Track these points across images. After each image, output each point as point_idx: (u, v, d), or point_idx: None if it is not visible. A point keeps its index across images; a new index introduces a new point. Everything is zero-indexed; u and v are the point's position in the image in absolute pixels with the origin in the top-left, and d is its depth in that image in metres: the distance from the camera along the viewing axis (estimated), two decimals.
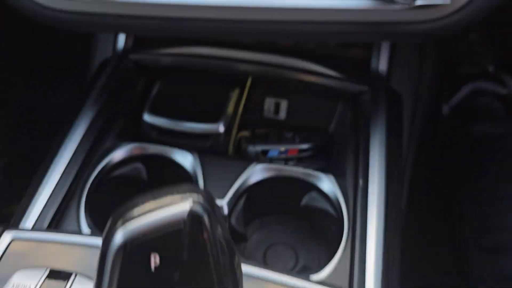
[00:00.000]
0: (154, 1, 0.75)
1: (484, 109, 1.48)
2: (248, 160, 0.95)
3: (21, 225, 0.79)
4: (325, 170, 0.89)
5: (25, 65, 1.16)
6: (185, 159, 0.92)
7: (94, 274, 0.43)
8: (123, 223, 0.40)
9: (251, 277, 0.68)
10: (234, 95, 1.02)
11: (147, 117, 1.00)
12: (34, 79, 1.19)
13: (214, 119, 0.98)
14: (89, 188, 0.86)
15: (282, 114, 1.08)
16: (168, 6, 0.76)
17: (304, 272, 0.87)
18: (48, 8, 0.79)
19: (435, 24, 0.73)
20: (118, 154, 0.93)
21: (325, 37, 0.76)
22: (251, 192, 0.89)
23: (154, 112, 1.00)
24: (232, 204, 0.86)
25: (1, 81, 1.10)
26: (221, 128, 0.97)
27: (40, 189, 0.84)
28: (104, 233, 0.42)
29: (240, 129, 1.05)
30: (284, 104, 1.07)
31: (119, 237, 0.40)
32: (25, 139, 1.22)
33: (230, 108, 1.00)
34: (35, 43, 1.13)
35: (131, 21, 0.79)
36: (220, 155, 0.98)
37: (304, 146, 1.01)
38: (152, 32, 0.85)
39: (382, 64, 0.96)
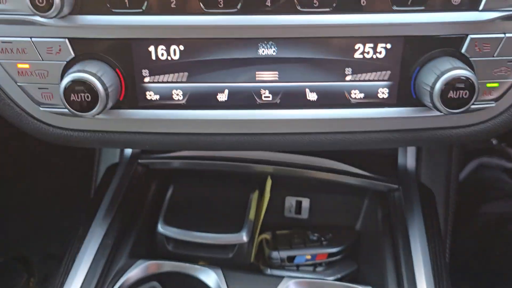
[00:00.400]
0: (163, 117, 0.71)
1: (493, 184, 1.45)
2: (274, 267, 0.87)
3: None
4: (365, 281, 0.82)
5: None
6: (208, 277, 0.84)
7: None
8: None
9: None
10: (254, 198, 0.96)
11: (161, 229, 0.92)
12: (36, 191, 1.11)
13: (236, 228, 0.90)
14: None
15: (304, 213, 1.02)
16: (181, 121, 0.71)
17: None
18: (58, 127, 0.74)
19: (477, 127, 0.70)
20: (132, 275, 0.84)
21: (363, 146, 0.71)
22: None
23: (169, 222, 0.93)
24: None
25: None
26: (245, 238, 0.89)
27: None
28: None
29: (260, 231, 0.98)
30: (306, 203, 1.01)
31: None
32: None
33: (252, 213, 0.93)
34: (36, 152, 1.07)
35: (142, 137, 0.74)
36: (245, 268, 0.89)
37: (334, 249, 0.93)
38: (164, 147, 0.80)
39: (410, 160, 0.92)
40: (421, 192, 0.89)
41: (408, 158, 0.92)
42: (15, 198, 1.04)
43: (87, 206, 0.94)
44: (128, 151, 1.01)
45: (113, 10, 0.63)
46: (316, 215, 1.01)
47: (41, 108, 0.71)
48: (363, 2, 0.61)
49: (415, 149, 0.92)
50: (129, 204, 0.94)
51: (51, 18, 0.62)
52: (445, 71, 0.61)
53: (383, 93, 0.67)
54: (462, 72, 0.60)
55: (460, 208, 1.36)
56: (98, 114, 0.65)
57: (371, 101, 0.68)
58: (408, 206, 0.87)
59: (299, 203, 1.01)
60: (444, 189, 0.98)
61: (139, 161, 1.00)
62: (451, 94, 0.61)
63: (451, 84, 0.60)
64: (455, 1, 0.61)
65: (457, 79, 0.60)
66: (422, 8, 0.61)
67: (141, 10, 0.63)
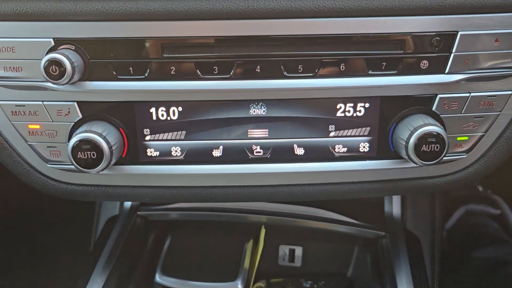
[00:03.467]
0: (162, 172, 0.76)
1: (482, 230, 1.48)
2: None
3: None
4: None
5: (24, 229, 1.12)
6: None
7: None
8: None
9: None
10: (249, 247, 1.00)
11: (159, 279, 0.95)
12: (35, 246, 1.14)
13: (232, 276, 0.94)
14: None
15: (298, 261, 1.05)
16: (179, 176, 0.76)
17: None
18: (63, 182, 0.79)
19: (452, 177, 0.75)
20: None
21: (347, 195, 0.77)
22: None
23: (166, 272, 0.96)
24: None
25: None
26: (240, 286, 0.92)
27: None
28: None
29: (255, 279, 1.01)
30: (299, 251, 1.05)
31: None
32: None
33: (247, 262, 0.97)
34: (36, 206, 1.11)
35: (142, 191, 0.79)
36: None
37: None
38: (163, 199, 0.84)
39: (396, 208, 0.97)
40: (407, 238, 0.94)
41: (394, 206, 0.97)
42: (18, 246, 1.07)
43: (87, 257, 0.97)
44: (128, 204, 1.05)
45: (119, 76, 0.70)
46: (309, 263, 1.04)
47: (48, 165, 0.76)
48: (342, 68, 0.69)
49: (400, 198, 0.98)
50: (128, 255, 0.97)
51: (63, 84, 0.68)
52: (418, 127, 0.67)
53: (364, 147, 0.74)
54: (433, 128, 0.67)
55: (450, 253, 1.39)
56: (102, 170, 0.70)
57: (353, 154, 0.74)
58: (394, 252, 0.91)
59: (292, 252, 1.05)
60: (429, 234, 1.03)
61: (138, 213, 1.04)
62: (424, 147, 0.67)
63: (423, 139, 0.67)
64: (424, 65, 0.69)
65: (428, 134, 0.67)
66: (395, 72, 0.69)
67: (143, 77, 0.70)
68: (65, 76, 0.66)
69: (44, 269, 1.07)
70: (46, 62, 0.65)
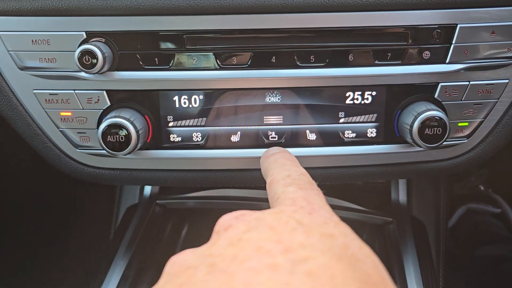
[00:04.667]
0: (184, 156, 0.81)
1: (485, 228, 1.50)
2: None
3: None
4: None
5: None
6: None
7: None
8: None
9: None
10: None
11: None
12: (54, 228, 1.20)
13: None
14: None
15: None
16: (199, 160, 0.81)
17: None
18: (92, 166, 0.85)
19: (454, 161, 0.80)
20: None
21: (355, 178, 0.82)
22: None
23: None
24: None
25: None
26: None
27: None
28: None
29: None
30: None
31: None
32: None
33: None
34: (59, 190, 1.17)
35: (165, 174, 0.84)
36: None
37: None
38: (183, 183, 0.89)
39: (402, 196, 1.02)
40: (413, 224, 0.98)
41: (400, 194, 1.02)
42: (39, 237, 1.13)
43: (108, 244, 1.03)
44: (147, 193, 1.11)
45: (145, 66, 0.76)
46: None
47: (78, 150, 0.82)
48: (351, 58, 0.74)
49: (406, 185, 1.02)
50: (148, 241, 1.03)
51: (94, 74, 0.74)
52: (421, 112, 0.73)
53: (372, 132, 0.79)
54: (435, 113, 0.72)
55: (453, 251, 1.42)
56: (129, 153, 0.76)
57: (361, 139, 0.79)
58: (402, 237, 0.96)
59: None
60: (434, 221, 1.07)
61: (157, 201, 1.10)
62: (427, 131, 0.72)
63: (426, 123, 0.72)
64: (426, 56, 0.74)
65: (431, 119, 0.72)
66: (399, 62, 0.75)
67: (168, 67, 0.76)
68: (96, 66, 0.72)
69: (67, 257, 1.13)
70: (79, 52, 0.71)
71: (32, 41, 0.75)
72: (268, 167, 0.58)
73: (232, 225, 0.41)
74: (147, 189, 1.11)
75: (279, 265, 0.33)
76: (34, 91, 0.78)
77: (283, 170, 0.54)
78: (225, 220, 0.43)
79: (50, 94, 0.79)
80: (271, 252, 0.34)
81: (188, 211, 1.11)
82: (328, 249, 0.35)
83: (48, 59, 0.76)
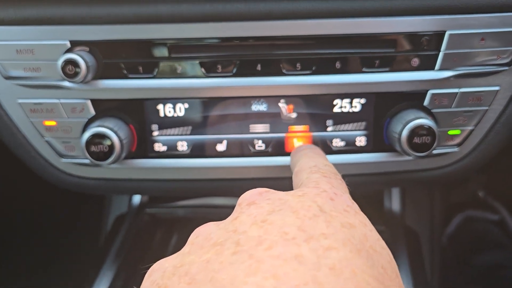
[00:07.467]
0: (169, 165, 0.80)
1: (483, 236, 1.48)
2: None
3: None
4: None
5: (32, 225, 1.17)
6: None
7: None
8: None
9: None
10: None
11: None
12: (44, 236, 1.19)
13: None
14: None
15: None
16: (185, 169, 0.80)
17: None
18: (76, 176, 0.83)
19: (445, 170, 0.79)
20: None
21: None
22: None
23: None
24: None
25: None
26: None
27: None
28: None
29: None
30: None
31: None
32: None
33: None
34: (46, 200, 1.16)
35: (150, 184, 0.83)
36: None
37: None
38: (169, 192, 0.88)
39: (395, 203, 1.00)
40: (406, 233, 0.97)
41: (393, 202, 1.00)
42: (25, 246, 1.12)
43: (96, 253, 1.02)
44: (136, 201, 1.10)
45: (129, 75, 0.75)
46: None
47: (62, 160, 0.81)
48: (338, 65, 0.73)
49: (399, 194, 1.01)
50: (136, 250, 1.02)
51: (78, 83, 0.74)
52: (410, 121, 0.71)
53: (360, 141, 0.78)
54: (423, 121, 0.71)
55: (450, 258, 1.40)
56: (113, 163, 0.75)
57: (350, 148, 0.78)
58: (394, 246, 0.94)
59: None
60: (428, 230, 1.05)
61: (146, 210, 1.08)
62: (416, 139, 0.71)
63: (415, 131, 0.71)
64: (414, 63, 0.73)
65: (420, 127, 0.71)
66: (387, 69, 0.73)
67: (152, 75, 0.75)
68: (80, 75, 0.71)
69: (54, 266, 1.11)
70: (63, 62, 0.70)
71: (17, 50, 0.74)
72: (297, 160, 0.61)
73: (255, 202, 0.42)
74: (136, 198, 1.10)
75: (305, 257, 0.34)
76: (19, 101, 0.77)
77: (310, 161, 0.57)
78: (250, 195, 0.43)
79: (34, 104, 0.78)
80: (296, 240, 0.35)
81: (177, 220, 1.10)
82: (348, 240, 0.36)
83: (33, 68, 0.75)
